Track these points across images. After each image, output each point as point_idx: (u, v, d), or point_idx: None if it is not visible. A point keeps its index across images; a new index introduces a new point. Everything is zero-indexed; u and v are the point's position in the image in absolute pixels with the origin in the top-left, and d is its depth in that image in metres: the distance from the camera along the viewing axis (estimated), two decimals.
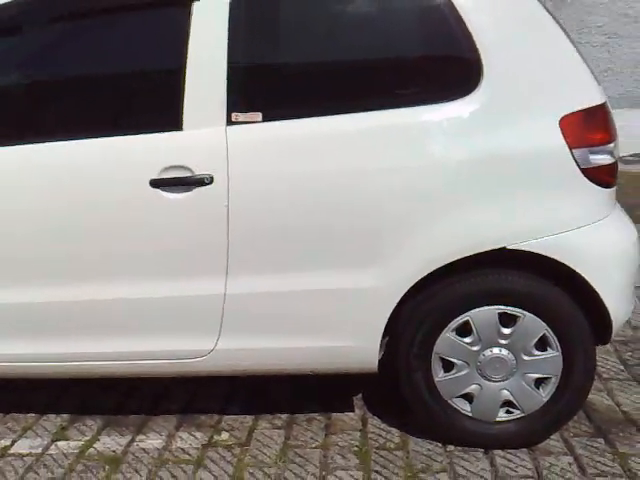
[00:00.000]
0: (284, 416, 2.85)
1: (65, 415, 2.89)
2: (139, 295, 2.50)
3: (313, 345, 2.50)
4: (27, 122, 2.55)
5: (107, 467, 2.56)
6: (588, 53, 5.09)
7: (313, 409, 2.87)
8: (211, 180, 2.38)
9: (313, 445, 2.66)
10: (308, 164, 2.39)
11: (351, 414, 2.85)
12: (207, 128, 2.39)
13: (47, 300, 2.53)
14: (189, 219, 2.43)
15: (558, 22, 2.51)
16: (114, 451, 2.66)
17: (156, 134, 2.42)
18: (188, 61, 2.37)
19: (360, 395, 2.97)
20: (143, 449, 2.67)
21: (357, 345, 2.49)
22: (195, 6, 2.37)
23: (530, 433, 2.55)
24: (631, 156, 5.28)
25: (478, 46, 2.35)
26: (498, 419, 2.53)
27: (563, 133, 2.36)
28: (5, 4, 2.47)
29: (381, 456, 2.57)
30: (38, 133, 2.49)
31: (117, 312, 2.54)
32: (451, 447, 2.59)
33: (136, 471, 2.54)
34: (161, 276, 2.48)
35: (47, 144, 2.45)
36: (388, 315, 2.43)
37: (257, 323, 2.51)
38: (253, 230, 2.41)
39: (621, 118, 5.01)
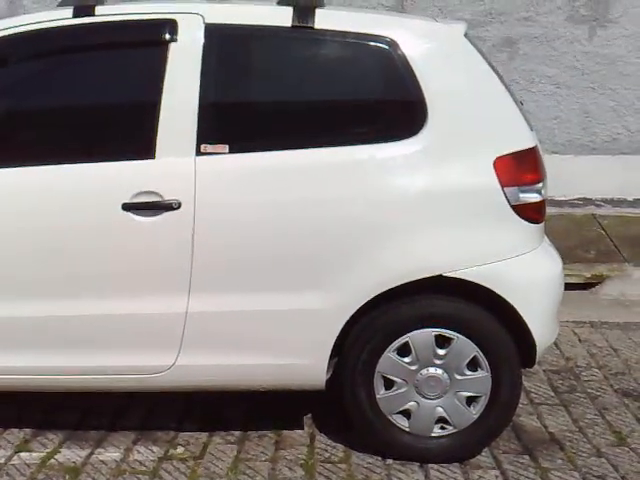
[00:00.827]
0: (237, 432, 3.02)
1: (28, 429, 3.02)
2: (105, 312, 2.68)
3: (266, 362, 2.70)
4: (7, 147, 2.73)
5: (67, 476, 2.71)
6: (538, 101, 5.46)
7: (265, 426, 3.05)
8: (179, 205, 2.59)
9: (263, 459, 2.84)
10: (267, 194, 2.62)
11: (300, 431, 3.03)
12: (177, 157, 2.61)
13: (14, 315, 2.69)
14: (157, 241, 2.63)
15: (498, 73, 2.82)
16: (74, 462, 2.80)
17: (130, 162, 2.64)
18: (163, 96, 2.61)
19: (310, 414, 3.16)
20: (102, 461, 2.82)
21: (306, 363, 2.69)
22: (172, 46, 2.62)
23: (462, 448, 2.77)
24: (577, 200, 5.64)
25: (424, 93, 2.63)
26: (433, 434, 2.75)
27: (496, 173, 2.63)
28: None
29: (325, 468, 2.77)
30: (20, 158, 2.67)
31: (83, 328, 2.71)
32: (390, 461, 2.79)
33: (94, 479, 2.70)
34: (127, 294, 2.66)
35: (30, 168, 2.65)
36: (336, 335, 2.65)
37: (215, 341, 2.70)
38: (215, 253, 2.63)
39: (568, 163, 5.41)
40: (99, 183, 2.65)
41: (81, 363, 2.73)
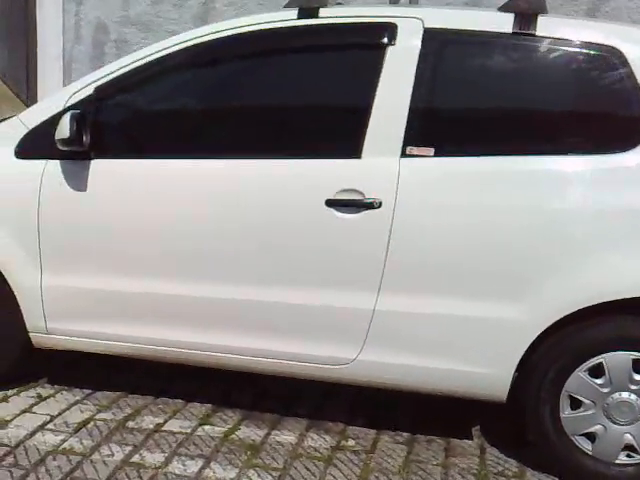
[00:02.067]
0: (405, 434, 3.06)
1: (208, 405, 3.20)
2: (297, 301, 2.80)
3: (450, 368, 2.72)
4: (228, 140, 2.92)
5: (248, 452, 2.84)
6: None
7: (433, 432, 3.07)
8: (379, 204, 2.67)
9: (434, 463, 2.85)
10: (469, 199, 2.64)
11: (469, 441, 3.03)
12: (383, 158, 2.69)
13: (212, 296, 2.87)
14: (354, 238, 2.71)
15: None
16: (253, 440, 2.94)
17: (337, 160, 2.75)
18: (376, 98, 2.69)
19: (478, 426, 3.15)
20: (279, 442, 2.94)
21: (492, 373, 2.68)
22: (389, 49, 2.71)
23: None
24: None
25: None
26: (618, 461, 2.66)
27: None
28: (214, 39, 2.88)
29: None
30: (238, 151, 2.85)
31: (273, 314, 2.84)
32: None
33: (273, 459, 2.81)
34: (320, 286, 2.77)
35: (244, 160, 2.82)
36: (525, 348, 2.62)
37: (400, 340, 2.75)
38: (410, 254, 2.67)
39: None
40: (306, 178, 2.77)
41: (267, 347, 2.86)
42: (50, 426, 2.94)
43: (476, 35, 2.71)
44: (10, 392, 3.20)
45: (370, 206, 2.68)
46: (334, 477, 2.71)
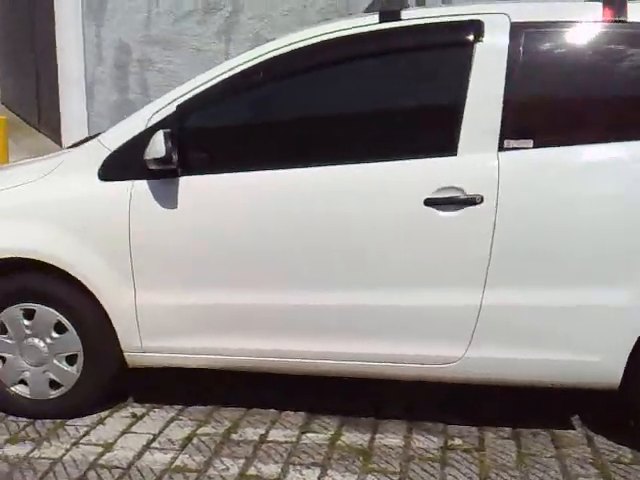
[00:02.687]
0: (507, 429, 3.04)
1: (301, 412, 3.17)
2: (403, 303, 2.78)
3: (561, 358, 2.71)
4: (323, 147, 2.90)
5: (360, 457, 2.82)
6: None
7: (533, 425, 3.05)
8: (481, 200, 2.67)
9: (548, 455, 2.84)
10: (574, 188, 2.65)
11: (573, 432, 3.02)
12: (480, 153, 2.69)
13: (321, 304, 2.84)
14: (457, 235, 2.71)
15: None
16: (361, 445, 2.91)
17: (433, 159, 2.74)
18: (468, 94, 2.69)
19: (577, 415, 3.15)
20: (386, 445, 2.91)
21: (604, 361, 2.68)
22: (478, 46, 2.71)
23: None
24: None
25: None
26: None
27: None
28: (300, 47, 2.86)
29: (619, 468, 2.73)
30: (333, 157, 2.83)
31: (378, 317, 2.82)
32: None
33: (388, 463, 2.78)
34: (425, 285, 2.75)
35: (339, 166, 2.81)
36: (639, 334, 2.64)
37: (508, 334, 2.74)
38: (515, 247, 2.67)
39: None
40: (403, 179, 2.76)
41: (375, 351, 2.84)
42: (155, 445, 2.91)
43: (564, 25, 2.72)
44: (103, 414, 3.16)
45: (472, 202, 2.68)
46: (455, 477, 2.69)
